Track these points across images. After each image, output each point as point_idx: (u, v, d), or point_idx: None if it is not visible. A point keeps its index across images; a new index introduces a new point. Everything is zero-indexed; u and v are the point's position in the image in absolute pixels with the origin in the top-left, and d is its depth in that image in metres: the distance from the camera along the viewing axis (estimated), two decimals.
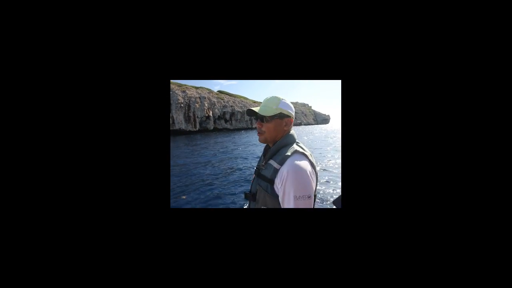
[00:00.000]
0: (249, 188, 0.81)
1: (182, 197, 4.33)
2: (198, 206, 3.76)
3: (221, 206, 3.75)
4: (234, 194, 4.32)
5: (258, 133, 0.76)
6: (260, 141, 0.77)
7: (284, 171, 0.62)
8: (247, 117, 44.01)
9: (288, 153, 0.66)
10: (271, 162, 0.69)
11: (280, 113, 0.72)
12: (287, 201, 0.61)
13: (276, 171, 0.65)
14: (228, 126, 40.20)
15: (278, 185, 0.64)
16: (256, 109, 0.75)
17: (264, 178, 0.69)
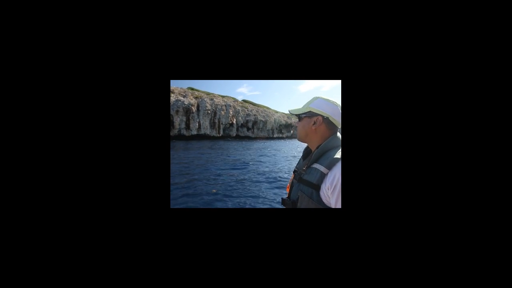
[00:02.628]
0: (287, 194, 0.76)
1: (213, 190, 4.46)
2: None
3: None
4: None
5: None
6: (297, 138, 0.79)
7: (337, 175, 0.57)
8: (268, 127, 44.35)
9: (337, 156, 0.61)
10: (316, 166, 0.64)
11: (309, 111, 0.71)
12: None
13: (323, 175, 0.60)
14: (250, 134, 40.94)
15: (327, 191, 0.58)
16: (294, 109, 0.77)
17: (308, 183, 0.63)
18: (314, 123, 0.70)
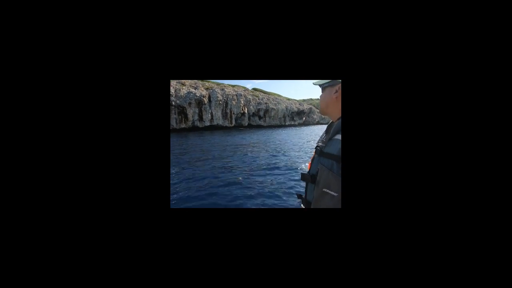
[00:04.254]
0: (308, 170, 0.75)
1: (239, 178, 4.72)
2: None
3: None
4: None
5: None
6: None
7: None
8: (280, 115, 43.62)
9: None
10: (338, 137, 0.63)
11: (332, 80, 0.69)
12: None
13: None
14: (262, 123, 40.70)
15: None
16: (317, 80, 0.74)
17: (329, 155, 0.62)
18: (336, 91, 0.69)
